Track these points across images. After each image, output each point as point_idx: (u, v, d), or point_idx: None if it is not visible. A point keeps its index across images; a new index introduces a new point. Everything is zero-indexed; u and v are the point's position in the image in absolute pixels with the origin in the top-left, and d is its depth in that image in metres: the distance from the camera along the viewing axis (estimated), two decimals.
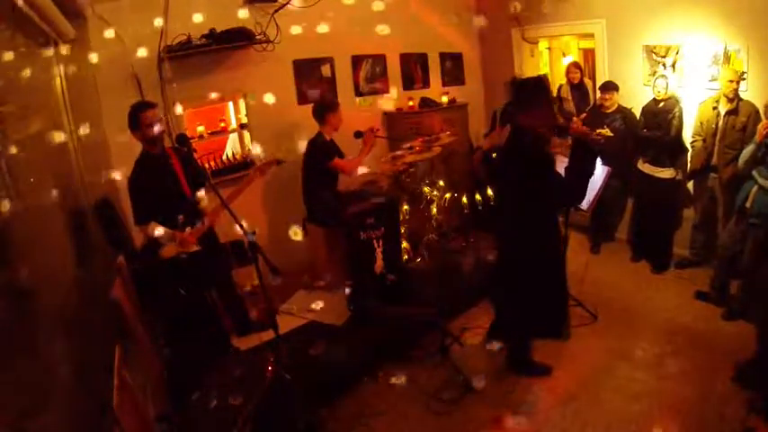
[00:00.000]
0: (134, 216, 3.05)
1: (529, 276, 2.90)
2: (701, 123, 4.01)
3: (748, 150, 3.42)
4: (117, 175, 3.58)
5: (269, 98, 3.87)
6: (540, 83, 2.93)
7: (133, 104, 3.11)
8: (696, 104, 4.17)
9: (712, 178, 4.05)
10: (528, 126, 2.80)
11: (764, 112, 3.45)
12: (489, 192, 4.60)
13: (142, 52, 3.76)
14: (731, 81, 3.72)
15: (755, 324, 3.16)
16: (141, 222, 3.03)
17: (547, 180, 2.74)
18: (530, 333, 3.17)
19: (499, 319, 3.37)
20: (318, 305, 3.91)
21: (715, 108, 3.88)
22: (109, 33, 3.58)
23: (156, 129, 3.00)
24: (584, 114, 4.84)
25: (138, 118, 2.98)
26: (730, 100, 3.77)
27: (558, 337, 3.25)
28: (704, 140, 3.98)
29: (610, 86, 4.54)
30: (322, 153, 4.07)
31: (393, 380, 3.05)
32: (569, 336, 3.44)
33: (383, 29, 3.90)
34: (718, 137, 3.87)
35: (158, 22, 3.75)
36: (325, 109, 4.13)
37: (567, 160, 2.90)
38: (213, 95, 4.17)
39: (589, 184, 3.52)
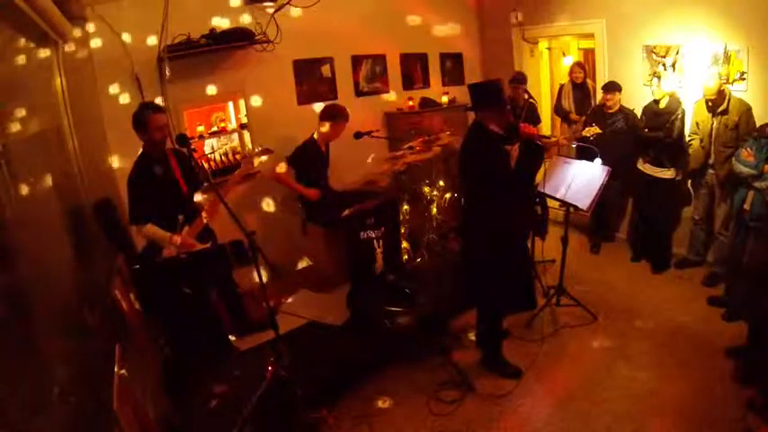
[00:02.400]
0: (129, 215, 3.05)
1: (491, 260, 3.10)
2: (697, 123, 4.03)
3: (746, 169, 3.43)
4: (117, 175, 3.60)
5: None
6: (493, 87, 3.11)
7: (142, 104, 3.10)
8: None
9: (710, 175, 4.06)
10: (483, 122, 3.02)
11: None
12: None
13: (142, 52, 3.77)
14: (708, 99, 3.83)
15: (747, 321, 3.19)
16: (136, 222, 3.03)
17: (489, 172, 2.97)
18: (501, 312, 3.34)
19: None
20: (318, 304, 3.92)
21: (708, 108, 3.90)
22: (109, 33, 3.58)
23: (163, 133, 3.03)
24: (584, 117, 4.84)
25: (146, 120, 2.97)
26: (719, 100, 3.80)
27: (532, 308, 3.60)
28: (701, 140, 3.99)
29: (613, 87, 4.54)
30: (303, 157, 4.10)
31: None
32: (536, 305, 3.66)
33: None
34: (713, 136, 3.89)
35: (158, 22, 3.75)
36: (335, 116, 4.10)
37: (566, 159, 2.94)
38: (213, 94, 4.18)
39: (589, 184, 3.55)
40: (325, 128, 4.12)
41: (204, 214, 3.16)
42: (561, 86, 5.45)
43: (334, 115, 4.13)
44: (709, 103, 3.88)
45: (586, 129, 3.92)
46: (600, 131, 3.89)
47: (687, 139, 4.19)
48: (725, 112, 3.79)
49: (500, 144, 3.01)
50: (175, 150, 3.22)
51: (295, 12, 4.37)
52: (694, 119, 4.08)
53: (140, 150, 3.12)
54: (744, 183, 3.45)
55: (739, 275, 3.56)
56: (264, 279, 2.71)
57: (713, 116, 3.87)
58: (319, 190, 4.19)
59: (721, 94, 3.80)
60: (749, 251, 3.44)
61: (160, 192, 3.05)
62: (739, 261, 3.58)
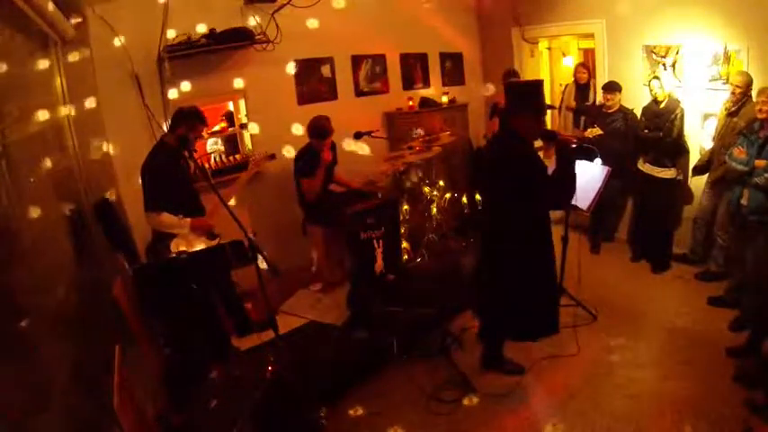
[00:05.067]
0: (146, 202, 3.03)
1: (516, 276, 2.87)
2: (718, 121, 4.03)
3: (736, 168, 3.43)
4: (117, 175, 3.59)
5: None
6: (533, 89, 2.80)
7: (198, 109, 3.23)
8: (696, 104, 4.19)
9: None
10: (516, 128, 2.76)
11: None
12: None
13: (142, 52, 3.77)
14: (738, 87, 3.71)
15: (746, 314, 3.17)
16: (153, 209, 3.02)
17: (532, 181, 2.68)
18: (517, 333, 3.12)
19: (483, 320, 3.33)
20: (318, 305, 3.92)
21: (726, 109, 3.89)
22: (109, 33, 3.58)
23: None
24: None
25: (201, 123, 3.19)
26: (733, 102, 3.78)
27: (554, 333, 3.09)
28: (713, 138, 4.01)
29: (613, 87, 4.53)
30: (299, 166, 4.10)
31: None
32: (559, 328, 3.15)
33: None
34: (720, 136, 3.89)
35: (158, 21, 3.75)
36: (319, 133, 4.05)
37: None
38: (213, 94, 4.18)
39: (589, 184, 3.55)
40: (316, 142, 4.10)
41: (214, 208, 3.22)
42: (565, 87, 5.44)
43: (319, 132, 4.06)
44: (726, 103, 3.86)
45: (588, 130, 3.92)
46: (601, 132, 3.89)
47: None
48: (734, 114, 3.77)
49: (537, 154, 2.75)
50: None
51: (295, 11, 4.35)
52: (718, 117, 4.08)
53: (156, 144, 3.19)
54: (738, 181, 3.46)
55: (744, 284, 3.53)
56: (264, 279, 2.71)
57: (726, 116, 3.86)
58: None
59: (736, 94, 3.74)
60: (749, 253, 3.44)
61: (177, 184, 3.09)
62: (741, 263, 3.58)
